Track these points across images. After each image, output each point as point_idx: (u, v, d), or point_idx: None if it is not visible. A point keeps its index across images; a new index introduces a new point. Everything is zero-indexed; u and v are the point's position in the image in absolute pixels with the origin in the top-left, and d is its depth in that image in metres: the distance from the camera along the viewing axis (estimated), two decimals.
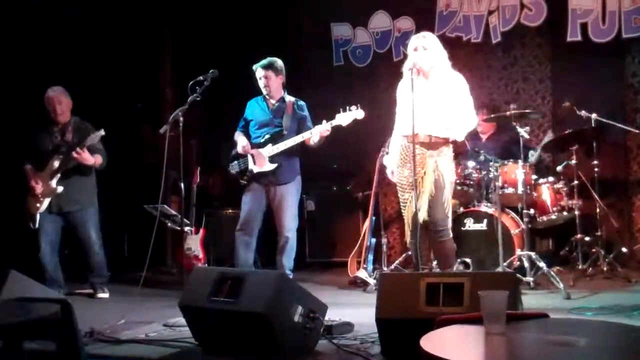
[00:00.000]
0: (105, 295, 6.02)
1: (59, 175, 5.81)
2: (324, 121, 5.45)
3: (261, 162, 5.61)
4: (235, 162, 5.77)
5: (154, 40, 8.22)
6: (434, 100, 4.80)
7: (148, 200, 6.46)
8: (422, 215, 4.81)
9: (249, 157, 5.66)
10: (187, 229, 6.40)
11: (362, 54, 8.01)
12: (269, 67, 5.66)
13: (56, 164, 5.81)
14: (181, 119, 4.91)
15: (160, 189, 5.15)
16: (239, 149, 5.72)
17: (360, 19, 7.97)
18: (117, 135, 6.32)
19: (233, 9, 7.99)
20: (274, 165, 5.57)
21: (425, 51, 4.83)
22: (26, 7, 6.65)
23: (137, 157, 8.10)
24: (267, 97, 5.75)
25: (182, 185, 5.02)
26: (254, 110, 5.84)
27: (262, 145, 5.65)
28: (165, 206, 6.60)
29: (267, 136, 5.65)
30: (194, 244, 6.56)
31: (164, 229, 7.05)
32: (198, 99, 5.02)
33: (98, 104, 6.63)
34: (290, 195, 5.65)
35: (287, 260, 5.61)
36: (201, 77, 5.07)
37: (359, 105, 5.41)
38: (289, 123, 5.65)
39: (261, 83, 5.67)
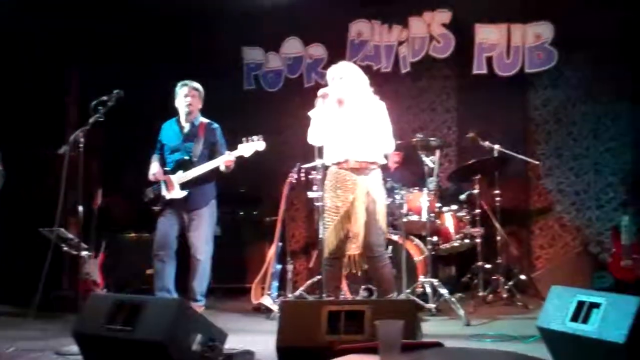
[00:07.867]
0: None
1: None
2: (227, 152, 5.57)
3: (172, 188, 5.65)
4: (150, 187, 5.81)
5: (59, 63, 7.94)
6: (356, 126, 4.83)
7: (46, 224, 6.20)
8: (360, 242, 4.80)
9: (162, 183, 5.71)
10: (85, 253, 6.18)
11: (273, 79, 8.00)
12: (196, 87, 5.78)
13: None
14: (81, 139, 4.78)
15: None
16: (150, 176, 5.78)
17: (273, 43, 7.97)
18: (15, 156, 6.05)
19: (141, 29, 7.82)
20: (184, 193, 5.62)
21: (340, 80, 4.88)
22: None
23: (35, 178, 7.77)
24: (182, 118, 5.78)
25: (81, 207, 4.84)
26: (168, 133, 5.87)
27: (172, 171, 5.69)
28: (62, 229, 6.33)
29: (177, 163, 5.70)
30: (92, 268, 6.35)
31: (61, 253, 6.78)
32: (101, 119, 4.90)
33: None
34: (202, 220, 5.67)
35: (199, 285, 5.63)
36: (105, 97, 4.95)
37: (261, 136, 5.50)
38: (200, 149, 5.70)
39: (185, 101, 5.71)
